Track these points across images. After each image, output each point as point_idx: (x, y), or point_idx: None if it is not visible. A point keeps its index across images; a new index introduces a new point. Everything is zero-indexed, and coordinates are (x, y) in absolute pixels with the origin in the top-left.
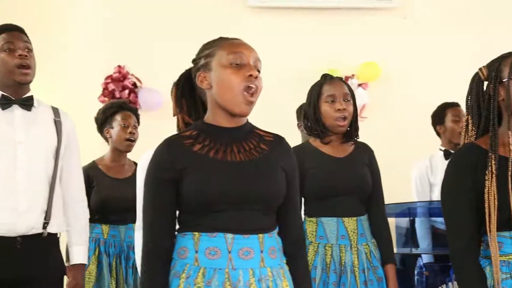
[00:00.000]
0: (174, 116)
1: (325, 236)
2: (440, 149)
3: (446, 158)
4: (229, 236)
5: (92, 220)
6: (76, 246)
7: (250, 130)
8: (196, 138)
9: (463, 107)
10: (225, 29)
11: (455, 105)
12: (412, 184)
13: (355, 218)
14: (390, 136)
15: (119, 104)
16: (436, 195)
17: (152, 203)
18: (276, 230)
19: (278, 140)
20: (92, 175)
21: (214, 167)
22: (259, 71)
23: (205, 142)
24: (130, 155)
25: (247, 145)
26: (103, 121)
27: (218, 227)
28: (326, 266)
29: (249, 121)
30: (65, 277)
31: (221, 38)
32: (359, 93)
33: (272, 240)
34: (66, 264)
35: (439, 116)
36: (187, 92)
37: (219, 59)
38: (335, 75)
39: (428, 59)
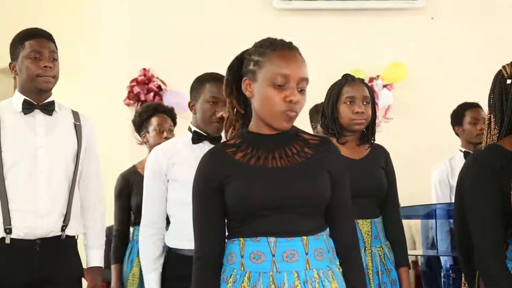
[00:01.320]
0: (225, 98)
1: None
2: (460, 150)
3: (467, 159)
4: (272, 239)
5: (134, 224)
6: (93, 249)
7: (295, 135)
8: (239, 147)
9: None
10: (250, 31)
11: (475, 106)
12: (432, 188)
13: (369, 220)
14: (414, 136)
15: (154, 107)
16: None
17: (201, 212)
18: (326, 232)
19: (324, 143)
20: (132, 179)
21: (255, 174)
22: (303, 90)
23: (248, 150)
24: None
25: (290, 150)
26: (139, 125)
27: (261, 231)
28: None
29: None
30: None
31: (274, 45)
32: (384, 94)
33: (319, 242)
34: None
35: (457, 117)
36: (238, 79)
37: (265, 73)
38: (359, 76)
39: (454, 60)
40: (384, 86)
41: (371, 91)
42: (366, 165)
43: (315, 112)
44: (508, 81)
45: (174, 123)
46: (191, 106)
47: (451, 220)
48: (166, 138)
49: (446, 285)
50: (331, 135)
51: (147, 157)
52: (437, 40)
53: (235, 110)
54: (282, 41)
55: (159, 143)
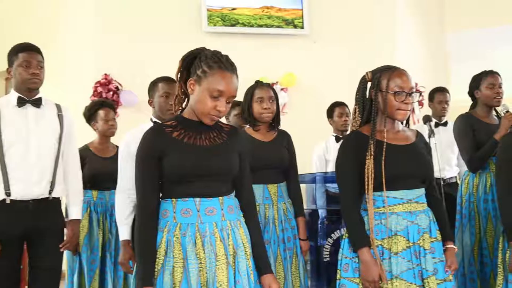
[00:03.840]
0: (176, 81)
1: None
2: (332, 135)
3: (336, 141)
4: (197, 199)
5: (84, 187)
6: (73, 206)
7: (215, 123)
8: (175, 127)
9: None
10: (185, 48)
11: (341, 104)
12: (313, 162)
13: (276, 185)
14: (302, 125)
15: (100, 102)
16: (330, 168)
17: (143, 175)
18: (234, 194)
19: (234, 130)
20: (85, 155)
21: (188, 149)
22: (234, 96)
23: (182, 130)
24: (112, 139)
25: (212, 134)
26: (89, 117)
27: (189, 193)
28: None
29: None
30: (65, 230)
31: (219, 63)
32: (282, 95)
33: (230, 201)
34: (65, 220)
35: (329, 112)
36: (187, 69)
37: (207, 83)
38: (265, 82)
39: (330, 71)
40: (282, 89)
41: (276, 92)
42: (273, 145)
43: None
44: (369, 84)
45: (115, 113)
46: (150, 102)
47: (327, 184)
48: (111, 125)
49: (321, 229)
50: (249, 125)
51: (96, 138)
52: (318, 57)
53: (182, 90)
54: (227, 61)
55: (106, 129)
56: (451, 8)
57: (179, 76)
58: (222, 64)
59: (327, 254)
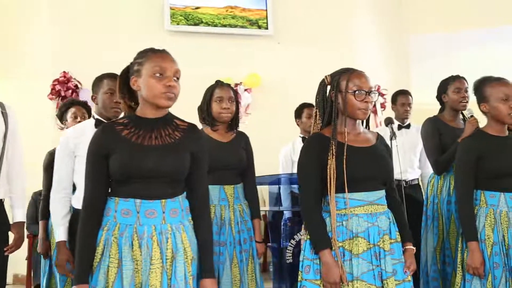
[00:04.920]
0: (118, 100)
1: (210, 198)
2: (300, 136)
3: (303, 142)
4: (138, 201)
5: None
6: (17, 208)
7: (170, 120)
8: (126, 125)
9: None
10: (146, 47)
11: (310, 106)
12: (279, 162)
13: (232, 186)
14: (267, 126)
15: (70, 101)
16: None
17: (90, 171)
18: (183, 195)
19: (191, 128)
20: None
21: (134, 149)
22: (178, 78)
23: (132, 129)
24: None
25: (163, 132)
26: (61, 116)
27: (131, 194)
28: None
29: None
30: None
31: (151, 50)
32: (245, 95)
33: (174, 203)
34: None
35: (297, 113)
36: (127, 82)
37: (147, 68)
38: (229, 82)
39: (294, 72)
40: (245, 90)
41: (235, 92)
42: (231, 146)
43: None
44: (328, 87)
45: (89, 113)
46: (93, 99)
47: (292, 185)
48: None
49: (284, 231)
50: (207, 125)
51: None
52: (282, 58)
53: (127, 105)
54: (158, 48)
55: None
56: (411, 12)
57: (120, 94)
58: (152, 49)
59: (289, 256)
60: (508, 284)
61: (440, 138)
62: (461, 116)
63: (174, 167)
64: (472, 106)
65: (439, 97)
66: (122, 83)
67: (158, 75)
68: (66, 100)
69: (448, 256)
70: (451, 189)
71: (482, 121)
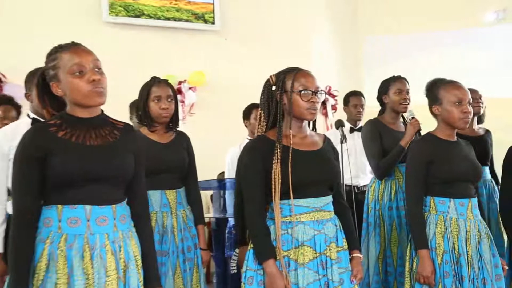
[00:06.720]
0: (42, 110)
1: (151, 205)
2: (247, 138)
3: None
4: (88, 207)
5: None
6: None
7: (105, 119)
8: (60, 126)
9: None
10: (81, 40)
11: (256, 106)
12: (225, 166)
13: (174, 190)
14: (212, 127)
15: None
16: None
17: (21, 177)
18: (126, 200)
19: (127, 128)
20: None
21: (76, 149)
22: (100, 68)
23: (67, 129)
24: None
25: (103, 131)
26: None
27: (78, 199)
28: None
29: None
30: None
31: (60, 47)
32: (189, 94)
33: (122, 209)
34: None
35: (246, 114)
36: (46, 90)
37: (63, 70)
38: (172, 80)
39: (242, 70)
40: (190, 88)
41: (174, 90)
42: (171, 147)
43: (133, 105)
44: (273, 87)
45: (18, 111)
46: (27, 96)
47: None
48: (5, 124)
49: (228, 239)
50: (144, 125)
51: None
52: (229, 55)
53: (51, 114)
54: (66, 44)
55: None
56: (366, 13)
57: (42, 104)
58: (61, 46)
59: (234, 266)
60: None
61: (381, 141)
62: (401, 119)
63: (123, 168)
64: (419, 108)
65: (379, 98)
66: (40, 92)
67: (77, 73)
68: None
69: (389, 265)
70: (393, 194)
71: (425, 123)
